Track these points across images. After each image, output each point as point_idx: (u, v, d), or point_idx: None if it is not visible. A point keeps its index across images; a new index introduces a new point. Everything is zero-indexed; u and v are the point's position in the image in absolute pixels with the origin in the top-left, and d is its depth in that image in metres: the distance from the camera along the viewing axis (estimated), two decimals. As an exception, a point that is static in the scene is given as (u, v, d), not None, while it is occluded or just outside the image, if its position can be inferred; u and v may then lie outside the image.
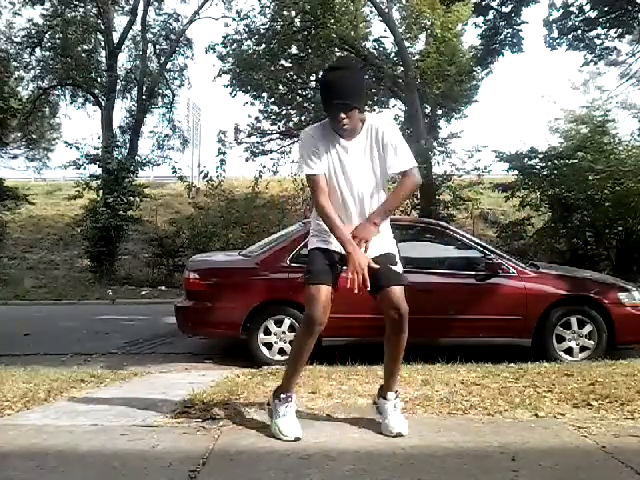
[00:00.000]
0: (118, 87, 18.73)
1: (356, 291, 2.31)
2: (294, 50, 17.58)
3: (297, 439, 2.38)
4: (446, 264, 5.35)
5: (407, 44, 17.31)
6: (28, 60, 19.09)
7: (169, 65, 20.38)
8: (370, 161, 2.48)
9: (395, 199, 2.54)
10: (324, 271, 2.46)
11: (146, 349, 6.01)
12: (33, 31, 18.79)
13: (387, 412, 2.54)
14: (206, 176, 14.72)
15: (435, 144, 16.97)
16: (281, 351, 4.97)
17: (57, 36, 18.76)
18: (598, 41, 11.60)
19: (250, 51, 16.83)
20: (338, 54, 17.70)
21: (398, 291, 2.46)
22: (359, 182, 2.47)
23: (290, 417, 2.48)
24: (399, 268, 2.54)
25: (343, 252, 2.43)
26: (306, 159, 2.47)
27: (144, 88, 18.26)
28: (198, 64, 54.63)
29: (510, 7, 11.38)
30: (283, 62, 17.75)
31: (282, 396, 2.53)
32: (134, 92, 19.45)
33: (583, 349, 4.97)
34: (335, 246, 2.49)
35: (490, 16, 11.71)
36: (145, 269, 14.57)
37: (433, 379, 3.58)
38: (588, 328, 4.96)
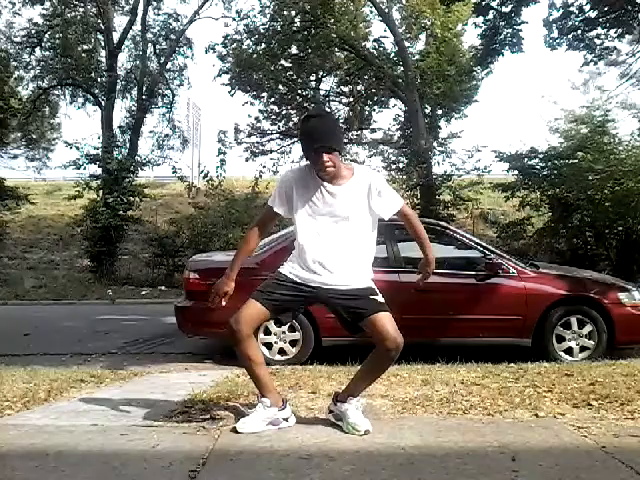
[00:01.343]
0: (118, 87, 18.73)
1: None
2: (294, 50, 17.59)
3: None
4: (446, 264, 5.33)
5: (407, 44, 17.32)
6: (28, 60, 19.13)
7: (169, 65, 20.38)
8: (360, 205, 2.54)
9: (420, 228, 2.73)
10: (272, 296, 2.55)
11: (146, 349, 6.01)
12: (33, 31, 18.81)
13: (348, 413, 2.52)
14: (206, 176, 14.72)
15: (435, 144, 16.99)
16: (281, 351, 4.97)
17: (57, 36, 18.77)
18: (598, 41, 11.59)
19: (250, 51, 16.83)
20: (338, 54, 17.73)
21: (387, 317, 2.48)
22: (347, 225, 2.52)
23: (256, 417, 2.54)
24: (380, 298, 2.55)
25: (310, 283, 2.53)
26: (275, 196, 2.61)
27: (144, 88, 18.26)
28: (198, 64, 54.68)
29: (510, 7, 11.36)
30: (283, 62, 17.76)
31: (261, 399, 2.60)
32: (134, 92, 19.46)
33: (583, 349, 4.96)
34: (302, 277, 2.54)
35: (490, 16, 11.69)
36: (145, 269, 14.56)
37: (433, 379, 3.58)
38: (588, 328, 4.96)
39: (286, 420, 2.59)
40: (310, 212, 2.54)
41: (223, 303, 2.61)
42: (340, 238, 2.53)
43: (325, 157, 2.43)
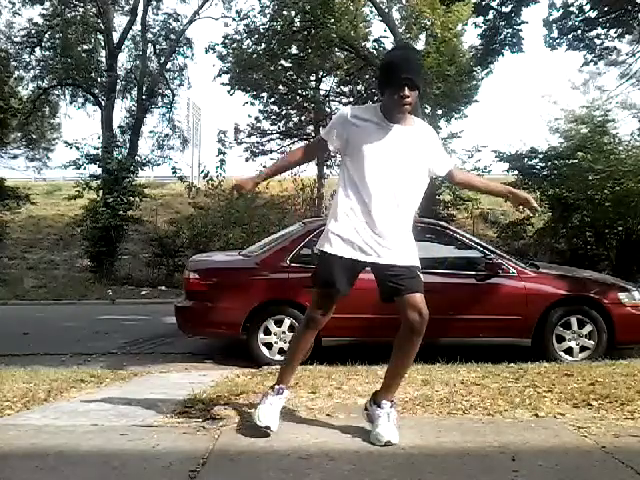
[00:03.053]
0: (118, 87, 18.73)
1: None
2: (294, 50, 17.58)
3: (267, 428, 2.40)
4: (446, 264, 5.34)
5: (407, 44, 17.29)
6: (28, 60, 19.14)
7: (169, 65, 20.40)
8: (417, 151, 2.46)
9: (478, 179, 2.86)
10: (333, 277, 2.41)
11: (146, 349, 6.01)
12: (33, 31, 18.81)
13: (379, 421, 2.41)
14: (206, 176, 14.72)
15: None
16: (281, 351, 4.96)
17: (57, 36, 18.76)
18: (598, 41, 11.60)
19: (250, 51, 16.82)
20: (338, 54, 17.72)
21: (419, 297, 2.41)
22: (401, 168, 2.41)
23: (274, 408, 2.49)
24: (421, 278, 2.47)
25: (360, 259, 2.40)
26: (331, 129, 2.50)
27: (144, 88, 18.25)
28: (198, 64, 54.74)
29: (510, 7, 11.36)
30: (283, 62, 17.75)
31: (276, 387, 2.56)
32: (134, 92, 19.46)
33: (583, 349, 4.97)
34: (351, 253, 2.41)
35: (490, 16, 11.70)
36: (145, 269, 14.56)
37: (433, 379, 3.58)
38: (588, 328, 4.96)
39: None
40: (373, 153, 2.39)
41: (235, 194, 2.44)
42: (405, 191, 2.42)
43: (407, 91, 2.33)
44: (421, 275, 2.46)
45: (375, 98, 19.23)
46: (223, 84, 17.70)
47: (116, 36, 18.15)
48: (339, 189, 2.50)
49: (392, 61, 2.46)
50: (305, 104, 19.48)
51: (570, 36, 11.43)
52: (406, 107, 2.38)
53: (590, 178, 10.90)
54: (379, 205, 2.39)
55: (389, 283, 2.42)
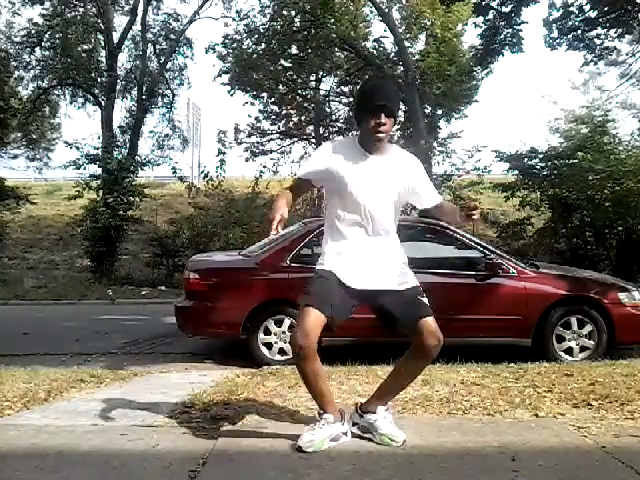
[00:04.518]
0: (118, 87, 18.71)
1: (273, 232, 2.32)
2: (294, 50, 17.57)
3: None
4: (446, 264, 5.34)
5: (407, 44, 17.29)
6: (28, 60, 19.10)
7: (169, 65, 20.37)
8: (396, 182, 2.45)
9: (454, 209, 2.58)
10: (323, 297, 2.35)
11: (146, 349, 6.01)
12: (33, 31, 18.78)
13: (378, 424, 2.40)
14: (206, 176, 14.72)
15: (435, 144, 16.98)
16: (281, 351, 4.97)
17: (57, 36, 18.75)
18: (598, 41, 11.59)
19: (250, 51, 16.82)
20: (338, 54, 17.71)
21: (432, 320, 2.40)
22: (381, 198, 2.42)
23: (346, 436, 2.40)
24: (426, 300, 2.47)
25: (358, 287, 2.37)
26: (309, 164, 2.52)
27: (144, 88, 18.24)
28: (198, 64, 54.74)
29: (510, 7, 11.36)
30: (283, 62, 17.75)
31: (326, 416, 2.39)
32: (134, 92, 19.44)
33: (583, 349, 4.96)
34: (349, 280, 2.38)
35: (490, 16, 11.70)
36: (145, 269, 14.56)
37: (433, 379, 3.58)
38: (588, 328, 4.96)
39: (345, 434, 2.42)
40: (354, 185, 2.39)
41: (280, 231, 2.34)
42: (375, 212, 2.41)
43: (383, 118, 2.33)
44: (425, 299, 2.45)
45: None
46: (223, 84, 17.71)
47: (116, 36, 18.15)
48: (326, 227, 2.53)
49: (367, 89, 2.49)
50: (305, 104, 19.47)
51: (570, 36, 11.43)
52: (382, 135, 2.36)
53: (590, 178, 10.90)
54: (368, 233, 2.42)
55: (390, 312, 2.41)
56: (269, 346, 4.99)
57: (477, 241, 5.60)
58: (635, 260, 11.62)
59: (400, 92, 2.65)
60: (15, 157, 25.00)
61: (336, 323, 2.37)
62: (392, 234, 2.52)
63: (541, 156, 12.70)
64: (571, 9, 11.30)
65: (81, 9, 18.67)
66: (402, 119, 18.89)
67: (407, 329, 2.39)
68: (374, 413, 2.44)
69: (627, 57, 16.31)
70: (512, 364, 4.21)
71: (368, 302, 2.43)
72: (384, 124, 2.34)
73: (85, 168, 14.73)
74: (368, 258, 2.41)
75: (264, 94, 19.00)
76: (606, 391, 3.18)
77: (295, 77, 18.60)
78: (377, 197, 2.41)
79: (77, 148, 14.58)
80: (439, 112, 18.47)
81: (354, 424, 2.52)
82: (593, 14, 11.14)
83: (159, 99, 20.33)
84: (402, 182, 2.46)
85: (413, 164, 2.53)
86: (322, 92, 20.12)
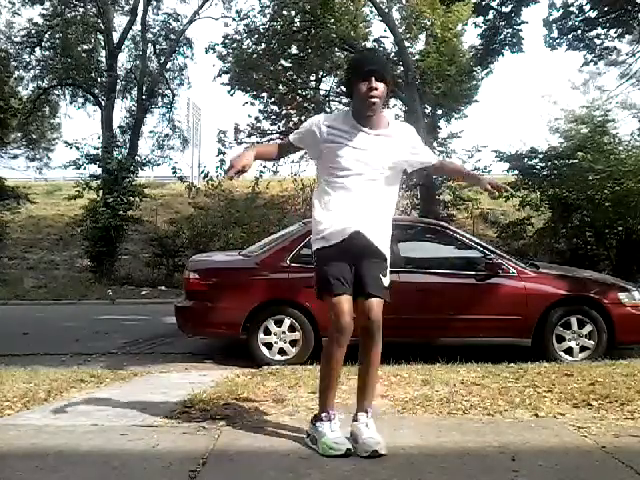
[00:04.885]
0: (118, 87, 18.72)
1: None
2: (294, 50, 17.57)
3: (348, 450, 2.23)
4: (446, 264, 5.34)
5: (407, 44, 17.28)
6: (28, 60, 19.11)
7: (169, 65, 20.37)
8: (390, 156, 2.42)
9: (456, 164, 2.59)
10: (340, 278, 2.34)
11: (146, 349, 6.01)
12: (33, 31, 18.79)
13: (360, 432, 2.31)
14: (206, 176, 14.72)
15: (435, 144, 16.95)
16: (281, 351, 4.97)
17: (57, 36, 18.76)
18: (598, 41, 11.61)
19: (250, 51, 16.82)
20: (338, 54, 17.71)
21: (375, 303, 2.35)
22: (377, 169, 2.40)
23: (337, 433, 2.31)
24: (386, 281, 2.43)
25: (348, 233, 2.35)
26: (301, 131, 2.49)
27: (144, 88, 18.25)
28: (198, 64, 54.70)
29: (510, 7, 11.38)
30: (283, 62, 17.74)
31: (323, 415, 2.37)
32: (134, 92, 19.44)
33: (583, 349, 4.96)
34: (340, 234, 2.36)
35: (490, 16, 11.71)
36: (145, 269, 14.56)
37: (433, 379, 3.58)
38: (588, 328, 4.96)
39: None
40: (344, 159, 2.37)
41: (239, 178, 2.31)
42: (373, 196, 2.40)
43: (374, 82, 2.30)
44: (386, 279, 2.42)
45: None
46: (223, 84, 17.68)
47: (116, 36, 18.15)
48: (314, 201, 2.49)
49: (356, 59, 2.52)
50: (305, 104, 19.46)
51: (570, 36, 11.44)
52: (375, 99, 2.33)
53: (590, 178, 10.90)
54: (357, 208, 2.38)
55: (355, 277, 2.38)
56: (269, 346, 4.99)
57: (477, 241, 5.60)
58: (635, 260, 11.62)
59: (389, 61, 2.65)
60: (15, 157, 25.00)
61: (350, 290, 2.37)
62: (385, 212, 2.46)
63: (541, 156, 12.70)
64: (571, 9, 11.32)
65: (81, 9, 18.68)
66: (402, 119, 18.91)
67: (355, 303, 2.38)
68: (357, 421, 2.38)
69: (627, 57, 16.33)
70: (512, 364, 4.21)
71: (350, 259, 2.40)
72: (376, 88, 2.32)
73: (85, 168, 14.76)
74: (357, 211, 2.37)
75: (264, 94, 18.98)
76: (606, 391, 3.18)
77: (295, 77, 18.58)
78: (372, 172, 2.39)
79: (77, 148, 14.59)
80: (439, 112, 18.46)
81: (351, 435, 2.41)
82: (593, 14, 11.16)
83: (159, 99, 20.35)
84: (398, 155, 2.44)
85: (409, 134, 2.51)
86: (322, 92, 20.10)
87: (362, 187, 2.39)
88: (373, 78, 2.31)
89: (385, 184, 2.44)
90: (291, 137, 2.54)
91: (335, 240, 2.38)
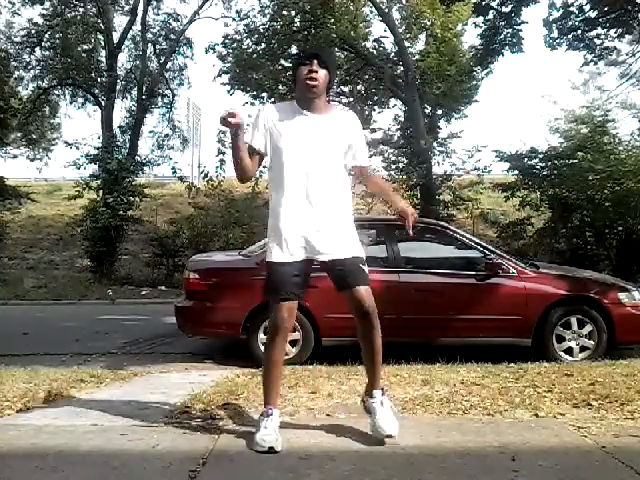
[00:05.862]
0: (118, 87, 18.72)
1: None
2: (294, 50, 17.56)
3: (271, 449, 2.25)
4: (446, 264, 5.35)
5: (407, 44, 17.29)
6: (28, 60, 19.12)
7: (169, 65, 20.38)
8: (336, 140, 2.45)
9: (382, 181, 2.90)
10: (286, 285, 2.39)
11: (146, 349, 6.01)
12: (33, 31, 18.80)
13: (375, 410, 2.44)
14: (206, 176, 14.71)
15: (435, 144, 16.95)
16: (281, 351, 4.96)
17: (57, 36, 18.76)
18: (598, 41, 11.61)
19: (250, 51, 16.82)
20: (338, 54, 17.71)
21: (364, 290, 2.42)
22: (322, 157, 2.41)
23: (269, 430, 2.31)
24: (366, 269, 2.49)
25: (310, 257, 2.41)
26: (252, 130, 2.47)
27: (144, 88, 18.25)
28: (198, 64, 54.80)
29: (510, 7, 11.38)
30: (283, 62, 17.74)
31: (263, 411, 2.41)
32: (134, 92, 19.45)
33: (583, 349, 4.96)
34: (299, 254, 2.41)
35: (490, 16, 11.71)
36: (145, 269, 14.57)
37: (433, 379, 3.58)
38: (588, 328, 4.96)
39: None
40: (292, 144, 2.39)
41: (232, 120, 2.31)
42: (329, 182, 2.42)
43: (315, 66, 2.36)
44: (366, 267, 2.48)
45: (375, 98, 19.26)
46: (223, 84, 17.69)
47: (116, 36, 18.16)
48: (271, 193, 2.51)
49: (300, 51, 2.54)
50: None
51: (570, 36, 11.44)
52: (314, 82, 2.37)
53: (590, 178, 10.90)
54: (310, 200, 2.40)
55: (337, 277, 2.45)
56: (269, 346, 4.98)
57: (477, 241, 5.60)
58: (635, 260, 11.62)
59: (335, 56, 2.81)
60: (15, 157, 25.05)
61: (301, 298, 2.48)
62: (339, 198, 2.48)
63: (541, 156, 12.71)
64: (571, 9, 11.32)
65: (81, 9, 18.68)
66: (402, 119, 18.92)
67: (345, 296, 2.45)
68: (372, 397, 2.50)
69: (627, 57, 16.34)
70: (512, 364, 4.20)
71: (321, 265, 2.47)
72: (316, 71, 2.37)
73: (85, 168, 14.77)
74: (312, 228, 2.40)
75: (264, 94, 18.98)
76: (606, 391, 3.18)
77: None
78: (317, 156, 2.41)
79: (77, 148, 14.60)
80: (439, 112, 18.46)
81: (362, 401, 2.61)
82: (593, 14, 11.16)
83: (159, 99, 20.35)
84: (342, 140, 2.47)
85: (352, 122, 2.55)
86: (322, 92, 20.10)
87: (314, 182, 2.39)
88: (315, 62, 2.37)
89: (335, 173, 2.45)
90: (246, 139, 2.44)
91: (294, 259, 2.41)
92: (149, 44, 19.12)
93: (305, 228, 2.40)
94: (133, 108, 19.35)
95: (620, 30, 11.38)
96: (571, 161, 11.89)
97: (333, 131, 2.45)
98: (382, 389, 2.53)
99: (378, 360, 2.52)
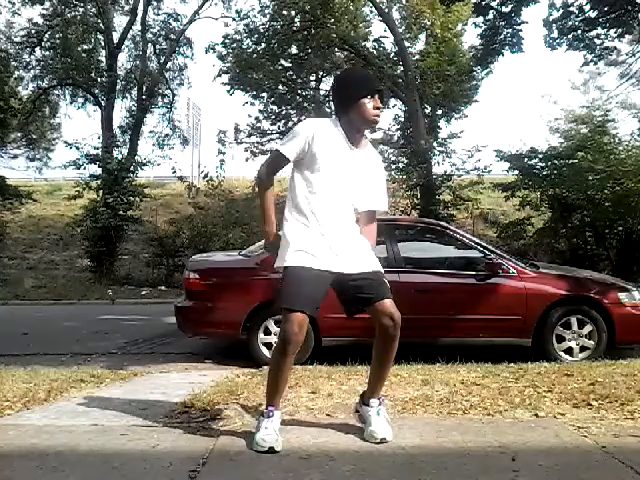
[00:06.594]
0: (118, 87, 18.74)
1: None
2: (294, 50, 17.58)
3: (271, 449, 2.24)
4: (446, 264, 5.34)
5: (407, 44, 17.31)
6: (28, 60, 19.14)
7: (169, 65, 20.43)
8: (366, 178, 2.47)
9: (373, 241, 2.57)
10: (304, 296, 2.31)
11: (146, 349, 6.01)
12: (33, 31, 18.82)
13: (370, 420, 2.43)
14: (206, 176, 14.72)
15: (435, 144, 16.97)
16: (281, 351, 4.96)
17: (57, 36, 18.79)
18: (598, 41, 11.62)
19: (250, 51, 16.83)
20: (338, 54, 17.72)
21: (389, 302, 2.41)
22: (352, 189, 2.43)
23: (270, 430, 2.31)
24: (387, 282, 2.47)
25: (332, 270, 2.35)
26: (290, 140, 2.39)
27: (144, 88, 18.26)
28: (198, 64, 54.82)
29: (510, 7, 11.38)
30: (283, 62, 17.75)
31: (265, 411, 2.40)
32: (134, 92, 19.47)
33: (583, 349, 4.96)
34: (322, 263, 2.33)
35: (490, 16, 11.72)
36: (145, 269, 14.57)
37: (433, 379, 3.58)
38: (588, 328, 4.96)
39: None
40: (331, 170, 2.37)
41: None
42: (351, 211, 2.44)
43: (381, 103, 2.35)
44: (387, 280, 2.46)
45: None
46: (223, 84, 17.71)
47: (116, 36, 18.19)
48: (289, 202, 2.47)
49: (363, 75, 2.52)
50: (305, 104, 19.46)
51: (570, 36, 11.45)
52: (379, 119, 2.40)
53: (590, 178, 10.90)
54: (330, 218, 2.38)
55: (357, 295, 2.41)
56: (269, 346, 4.98)
57: (477, 241, 5.60)
58: (635, 260, 11.62)
59: (390, 61, 2.74)
60: (15, 157, 25.04)
61: (315, 315, 2.38)
62: (354, 224, 2.50)
63: (541, 156, 12.71)
64: (571, 9, 11.33)
65: (81, 9, 18.69)
66: (402, 119, 18.93)
67: (369, 311, 2.42)
68: (369, 406, 2.48)
69: (627, 57, 16.35)
70: (512, 364, 4.20)
71: (338, 284, 2.42)
72: (382, 109, 2.38)
73: (85, 168, 14.78)
74: (339, 239, 2.39)
75: (264, 94, 19.00)
76: (606, 391, 3.18)
77: (295, 77, 18.59)
78: (350, 188, 2.42)
79: (77, 148, 14.60)
80: (439, 112, 18.49)
81: (356, 411, 2.59)
82: (593, 14, 11.16)
83: (159, 99, 20.37)
84: (370, 179, 2.49)
85: (379, 164, 2.57)
86: (322, 92, 20.12)
87: (339, 207, 2.41)
88: (380, 102, 2.37)
89: (359, 199, 2.47)
90: (283, 150, 2.39)
91: (318, 265, 2.34)
92: (149, 44, 19.15)
93: (325, 242, 2.37)
94: (133, 108, 19.37)
95: (620, 30, 11.38)
96: (571, 161, 11.89)
97: (367, 168, 2.46)
98: (379, 399, 2.51)
99: (388, 369, 2.54)
